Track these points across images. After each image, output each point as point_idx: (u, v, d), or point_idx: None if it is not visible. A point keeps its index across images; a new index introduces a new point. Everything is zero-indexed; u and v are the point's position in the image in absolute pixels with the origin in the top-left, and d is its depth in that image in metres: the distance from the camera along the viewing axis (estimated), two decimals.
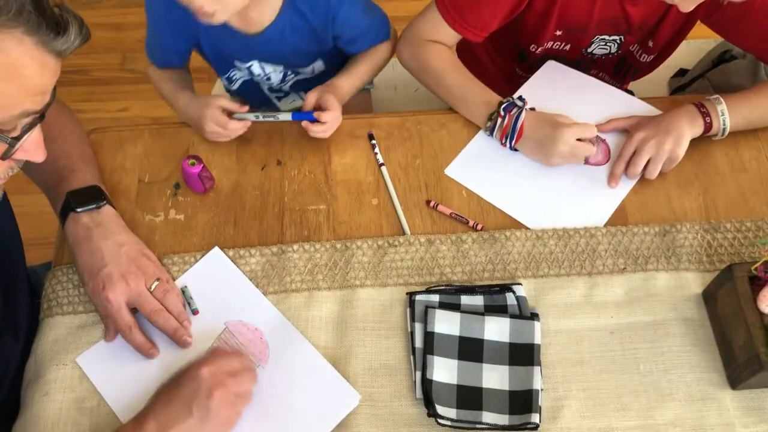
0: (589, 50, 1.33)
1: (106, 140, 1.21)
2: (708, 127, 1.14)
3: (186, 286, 1.05)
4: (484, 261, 1.07)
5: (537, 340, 0.99)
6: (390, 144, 1.20)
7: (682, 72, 1.69)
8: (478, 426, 0.93)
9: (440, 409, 0.93)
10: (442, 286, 1.04)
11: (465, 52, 1.49)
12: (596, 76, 1.33)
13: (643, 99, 1.25)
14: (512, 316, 1.00)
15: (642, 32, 1.28)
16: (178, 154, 1.18)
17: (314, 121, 1.14)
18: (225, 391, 0.87)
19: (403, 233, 1.11)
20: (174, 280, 1.05)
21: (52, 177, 1.06)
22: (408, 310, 1.02)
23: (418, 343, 0.99)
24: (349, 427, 0.94)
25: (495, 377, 0.97)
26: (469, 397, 0.95)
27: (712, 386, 0.97)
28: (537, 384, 0.95)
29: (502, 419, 0.94)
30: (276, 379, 0.97)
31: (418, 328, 1.00)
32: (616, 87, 1.30)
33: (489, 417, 0.94)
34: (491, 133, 1.18)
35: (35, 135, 0.75)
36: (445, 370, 0.97)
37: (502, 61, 1.47)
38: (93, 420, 0.95)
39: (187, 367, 0.90)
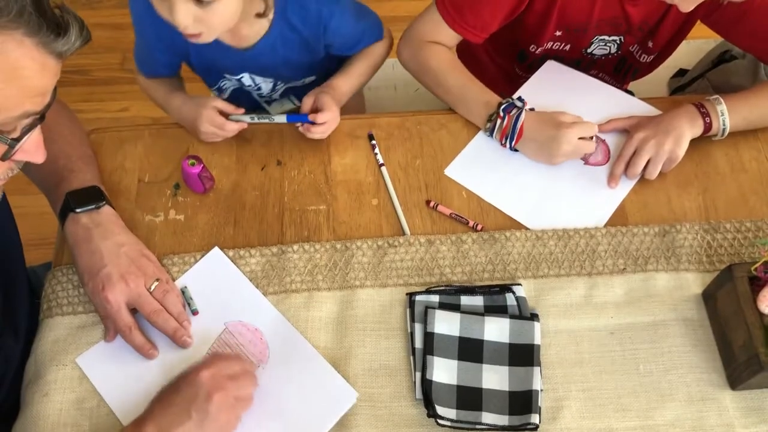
0: (589, 50, 1.33)
1: (106, 140, 1.21)
2: (708, 127, 1.14)
3: (186, 287, 1.05)
4: (484, 261, 1.07)
5: (537, 340, 0.99)
6: (390, 144, 1.20)
7: (681, 72, 1.69)
8: (477, 426, 0.93)
9: (440, 410, 0.93)
10: (442, 286, 1.04)
11: (465, 52, 1.49)
12: (596, 76, 1.33)
13: (642, 99, 1.25)
14: (512, 317, 1.00)
15: (642, 32, 1.28)
16: (178, 154, 1.18)
17: (310, 123, 1.14)
18: (224, 394, 0.87)
19: (403, 233, 1.11)
20: (174, 280, 1.05)
21: (52, 177, 1.06)
22: (408, 310, 1.02)
23: (418, 343, 0.99)
24: (349, 427, 0.94)
25: (495, 378, 0.97)
26: (469, 397, 0.95)
27: (711, 386, 0.97)
28: (537, 384, 0.95)
29: (502, 420, 0.94)
30: (276, 380, 0.97)
31: (418, 328, 1.00)
32: (616, 87, 1.30)
33: (489, 417, 0.94)
34: (491, 134, 1.18)
35: (35, 136, 0.75)
36: (444, 371, 0.97)
37: (502, 61, 1.47)
38: (93, 420, 0.95)
39: (187, 371, 0.89)
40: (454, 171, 1.17)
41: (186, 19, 0.98)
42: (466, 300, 1.03)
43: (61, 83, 0.74)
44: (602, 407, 0.96)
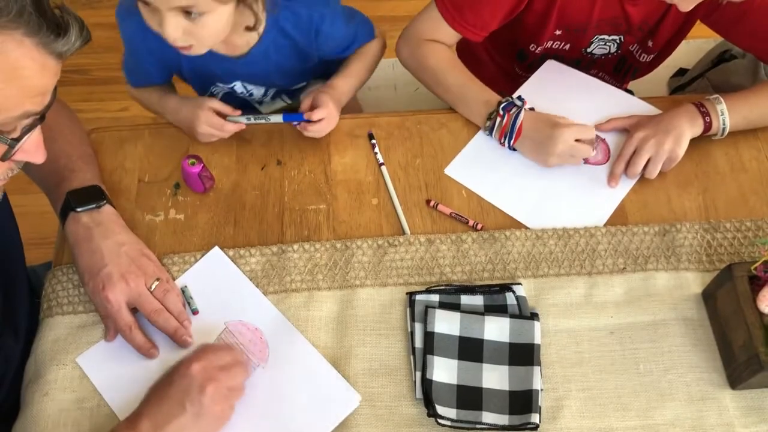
0: (589, 50, 1.33)
1: (106, 140, 1.21)
2: (708, 126, 1.14)
3: (186, 286, 1.05)
4: (484, 261, 1.07)
5: (537, 340, 0.99)
6: (390, 144, 1.20)
7: (681, 72, 1.69)
8: (478, 426, 0.93)
9: (440, 409, 0.93)
10: (442, 285, 1.04)
11: (465, 50, 1.49)
12: (596, 75, 1.33)
13: (642, 98, 1.25)
14: (512, 316, 1.00)
15: (642, 32, 1.28)
16: (178, 153, 1.18)
17: (306, 121, 1.14)
18: (217, 385, 0.87)
19: (403, 233, 1.11)
20: (174, 279, 1.05)
21: (53, 177, 1.06)
22: (408, 309, 1.02)
23: (418, 343, 0.99)
24: (349, 427, 0.94)
25: (495, 377, 0.97)
26: (469, 397, 0.95)
27: (711, 386, 0.97)
28: (537, 384, 0.95)
29: (502, 419, 0.94)
30: (276, 379, 0.97)
31: (418, 328, 1.00)
32: (616, 87, 1.30)
33: (489, 417, 0.94)
34: (490, 133, 1.18)
35: (35, 136, 0.75)
36: (445, 370, 0.97)
37: (502, 60, 1.47)
38: (93, 420, 0.95)
39: (178, 364, 0.90)
40: (454, 170, 1.17)
41: (175, 31, 0.99)
42: (466, 299, 1.03)
43: (61, 83, 0.74)
44: (602, 407, 0.96)
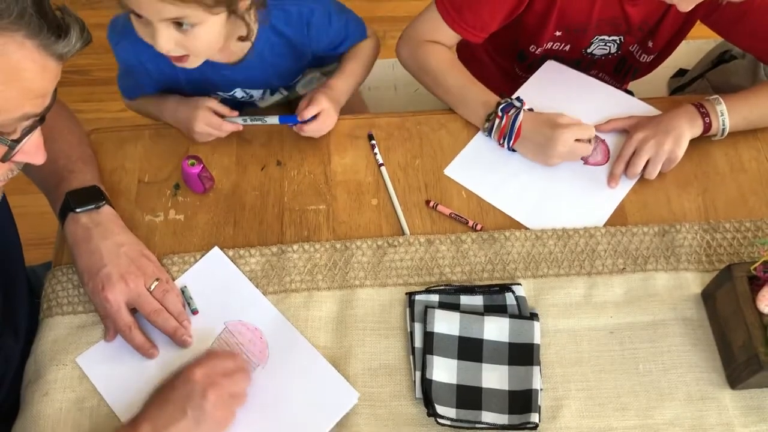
0: (589, 50, 1.33)
1: (107, 140, 1.21)
2: (707, 127, 1.14)
3: (186, 286, 1.05)
4: (483, 261, 1.07)
5: (536, 339, 0.99)
6: (390, 144, 1.20)
7: (681, 72, 1.69)
8: (477, 426, 0.93)
9: (440, 409, 0.93)
10: (442, 286, 1.04)
11: (465, 51, 1.49)
12: (596, 76, 1.33)
13: (642, 99, 1.25)
14: (512, 316, 1.00)
15: (642, 32, 1.28)
16: (178, 154, 1.19)
17: (301, 123, 1.14)
18: (219, 391, 0.87)
19: (403, 233, 1.11)
20: (174, 280, 1.05)
21: (52, 177, 1.06)
22: (407, 310, 1.02)
23: (418, 342, 0.99)
24: (349, 426, 0.94)
25: (494, 377, 0.97)
26: (469, 396, 0.95)
27: (711, 386, 0.97)
28: (536, 384, 0.95)
29: (502, 419, 0.94)
30: (276, 379, 0.97)
31: (418, 328, 1.00)
32: (616, 87, 1.30)
33: (488, 417, 0.94)
34: (489, 134, 1.18)
35: (35, 138, 0.75)
36: (444, 370, 0.97)
37: (502, 61, 1.47)
38: (93, 420, 0.95)
39: (181, 369, 0.90)
40: (454, 171, 1.17)
41: (168, 43, 1.00)
42: (465, 299, 1.03)
43: (62, 83, 0.74)
44: (602, 406, 0.96)
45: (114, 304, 0.97)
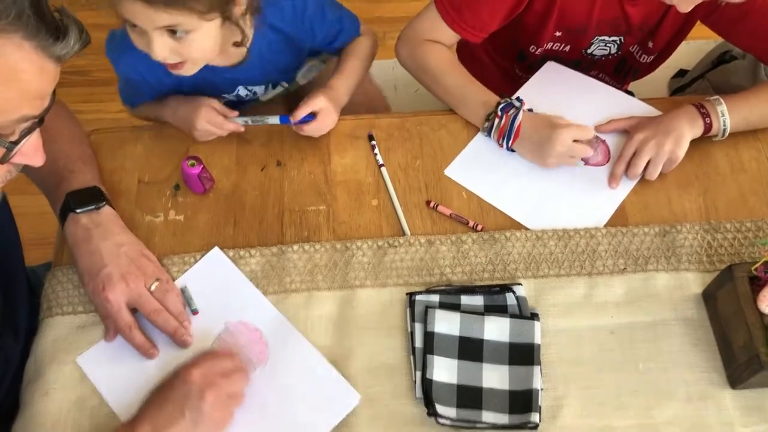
0: (589, 51, 1.33)
1: (107, 141, 1.21)
2: (708, 127, 1.14)
3: (186, 287, 1.05)
4: (484, 261, 1.07)
5: (537, 339, 0.99)
6: (390, 145, 1.20)
7: (682, 72, 1.69)
8: (478, 425, 0.93)
9: (440, 409, 0.93)
10: (442, 286, 1.04)
11: (464, 51, 1.49)
12: (596, 76, 1.33)
13: (643, 100, 1.25)
14: (512, 316, 1.00)
15: (642, 33, 1.28)
16: (178, 154, 1.19)
17: (302, 121, 1.14)
18: (217, 392, 0.87)
19: (403, 234, 1.11)
20: (174, 280, 1.05)
21: (52, 178, 1.06)
22: (408, 310, 1.02)
23: (418, 342, 0.99)
24: (349, 426, 0.94)
25: (495, 377, 0.97)
26: (469, 396, 0.95)
27: (711, 386, 0.97)
28: (537, 383, 0.95)
29: (502, 419, 0.94)
30: (276, 379, 0.97)
31: (418, 328, 1.00)
32: (616, 88, 1.30)
33: (489, 416, 0.94)
34: (489, 134, 1.18)
35: (34, 139, 0.75)
36: (445, 370, 0.97)
37: (502, 61, 1.47)
38: (93, 420, 0.95)
39: (179, 369, 0.90)
40: (454, 171, 1.17)
41: (162, 51, 1.00)
42: (466, 300, 1.03)
43: (61, 84, 0.74)
44: (602, 406, 0.96)
45: (114, 304, 0.97)
